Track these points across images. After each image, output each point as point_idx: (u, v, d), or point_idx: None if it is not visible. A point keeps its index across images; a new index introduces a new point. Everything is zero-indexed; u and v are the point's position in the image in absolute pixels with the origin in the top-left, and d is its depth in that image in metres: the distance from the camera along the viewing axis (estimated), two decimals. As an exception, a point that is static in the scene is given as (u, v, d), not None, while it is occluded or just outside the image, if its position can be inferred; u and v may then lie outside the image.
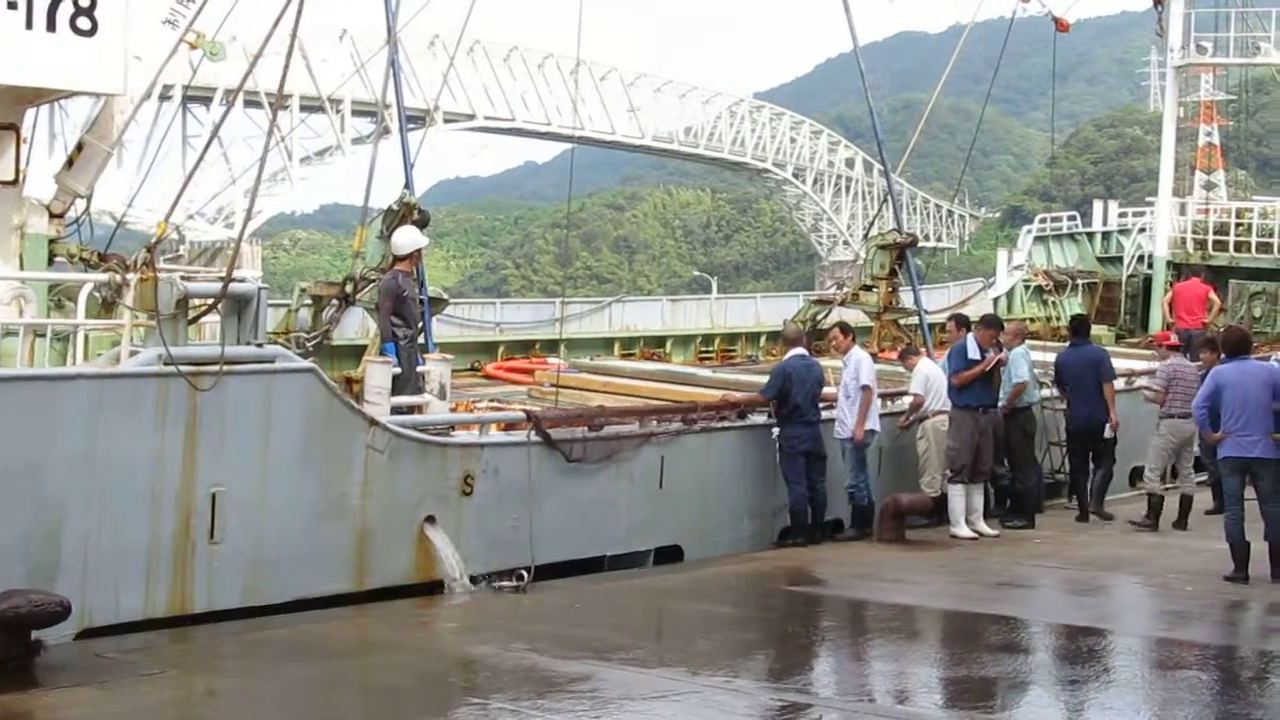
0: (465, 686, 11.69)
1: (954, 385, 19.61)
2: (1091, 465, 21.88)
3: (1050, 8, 32.05)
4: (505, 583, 15.36)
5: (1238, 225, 37.75)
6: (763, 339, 31.78)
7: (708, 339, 31.51)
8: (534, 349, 27.38)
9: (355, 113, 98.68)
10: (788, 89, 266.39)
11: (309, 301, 20.86)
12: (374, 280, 18.66)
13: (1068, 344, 22.84)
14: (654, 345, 30.40)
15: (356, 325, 22.23)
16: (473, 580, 15.16)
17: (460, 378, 23.57)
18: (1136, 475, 24.72)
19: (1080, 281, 38.00)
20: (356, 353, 20.39)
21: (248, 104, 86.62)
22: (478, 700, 10.96)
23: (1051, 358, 22.57)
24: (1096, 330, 35.47)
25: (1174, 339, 23.20)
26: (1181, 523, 20.31)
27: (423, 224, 18.58)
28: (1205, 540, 18.46)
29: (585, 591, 15.70)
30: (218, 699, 11.13)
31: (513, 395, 20.73)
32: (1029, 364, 20.74)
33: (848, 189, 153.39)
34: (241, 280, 13.65)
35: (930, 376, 20.42)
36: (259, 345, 13.70)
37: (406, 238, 17.94)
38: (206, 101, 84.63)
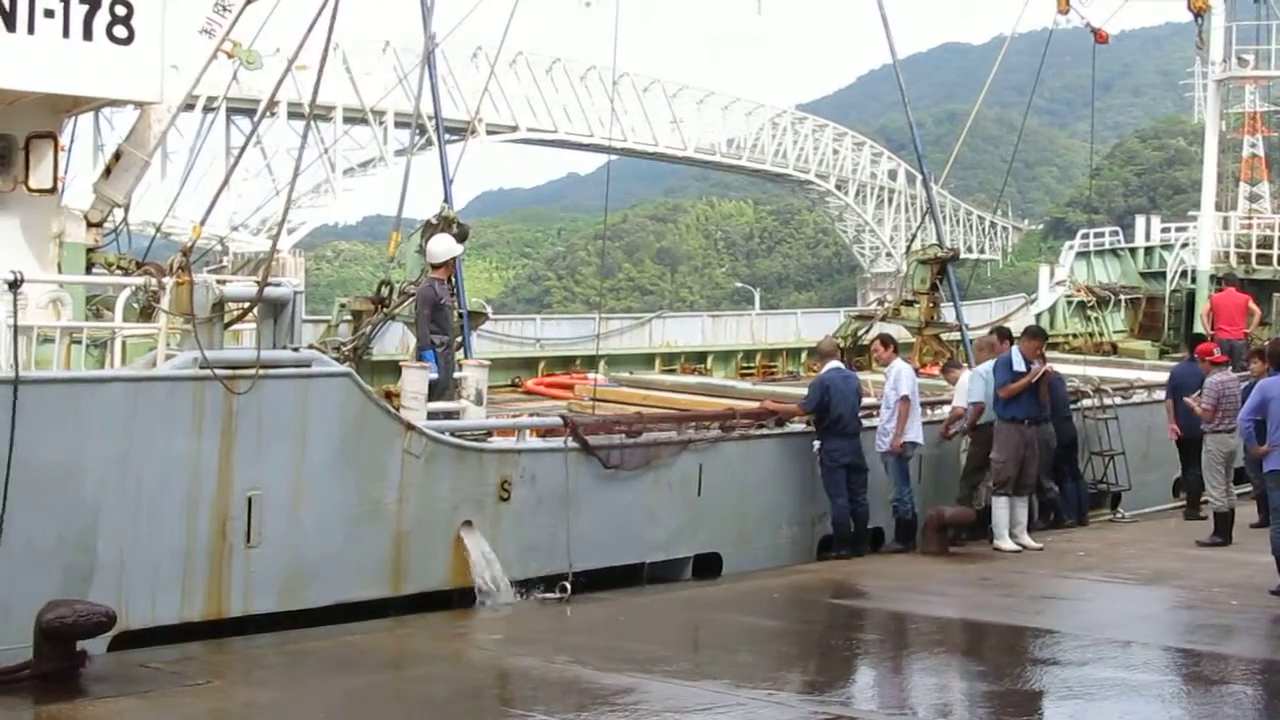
0: (508, 699, 11.68)
1: (1000, 398, 19.44)
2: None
3: (1089, 19, 31.89)
4: (548, 594, 15.33)
5: (1281, 239, 37.46)
6: (804, 354, 31.62)
7: (749, 354, 31.40)
8: (574, 365, 27.31)
9: (398, 124, 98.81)
10: (830, 101, 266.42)
11: (349, 317, 20.85)
12: (412, 295, 18.64)
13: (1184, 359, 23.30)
14: (695, 361, 30.30)
15: (397, 341, 22.19)
16: (511, 586, 15.09)
17: (500, 393, 23.52)
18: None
19: (1123, 297, 37.76)
20: (396, 368, 20.38)
21: (292, 115, 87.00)
22: (519, 713, 10.93)
23: (1093, 372, 22.54)
24: (1139, 345, 35.29)
25: (1218, 353, 22.92)
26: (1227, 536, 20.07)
27: (461, 237, 18.56)
28: (1250, 553, 18.24)
29: (628, 603, 15.65)
30: (258, 710, 11.09)
31: (553, 410, 20.62)
32: (984, 384, 19.95)
33: (890, 201, 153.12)
34: (277, 284, 13.61)
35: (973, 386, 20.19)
36: (295, 349, 13.68)
37: (441, 245, 17.91)
38: (252, 114, 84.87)
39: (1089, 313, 36.76)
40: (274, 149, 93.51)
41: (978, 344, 21.24)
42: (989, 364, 20.13)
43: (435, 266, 17.85)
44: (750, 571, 17.66)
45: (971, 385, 20.04)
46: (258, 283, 13.53)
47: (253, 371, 13.09)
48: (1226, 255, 37.47)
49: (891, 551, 19.20)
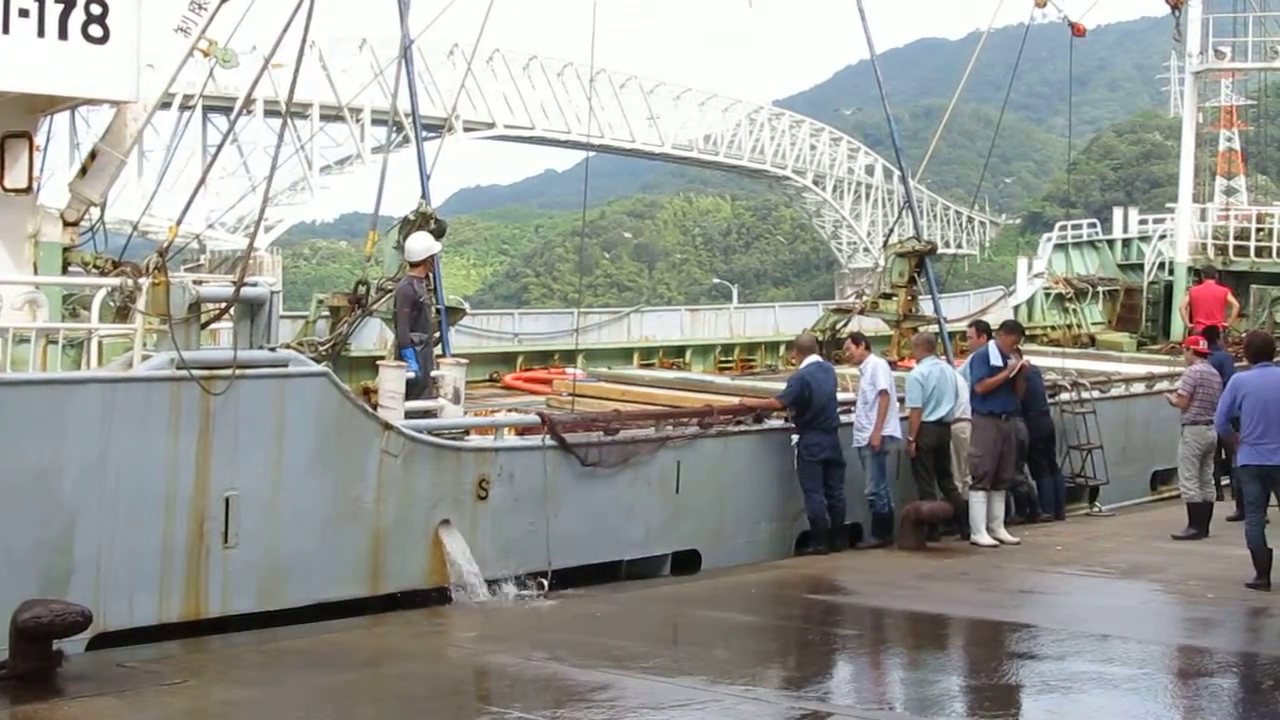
0: (485, 696, 11.67)
1: (977, 392, 19.47)
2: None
3: (1066, 13, 31.92)
4: (525, 591, 15.32)
5: (1259, 230, 37.56)
6: (782, 348, 31.60)
7: (727, 349, 31.39)
8: (553, 359, 27.28)
9: (375, 121, 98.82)
10: (807, 96, 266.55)
11: (326, 313, 20.79)
12: (390, 290, 18.63)
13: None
14: (673, 355, 30.26)
15: (374, 337, 22.16)
16: (489, 584, 15.08)
17: (479, 388, 23.49)
18: (1158, 480, 24.67)
19: (1101, 289, 37.82)
20: (374, 364, 20.36)
21: (269, 113, 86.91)
22: (496, 710, 10.92)
23: (1071, 365, 22.57)
24: (1117, 337, 35.38)
25: (1203, 345, 22.94)
26: (1203, 529, 20.11)
27: (439, 234, 18.51)
28: (1226, 546, 18.32)
29: (605, 600, 15.63)
30: (236, 709, 11.09)
31: (531, 405, 20.67)
32: (921, 387, 19.66)
33: (867, 196, 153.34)
34: (254, 284, 13.60)
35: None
36: (271, 349, 13.67)
37: (420, 243, 17.89)
38: (228, 111, 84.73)
39: (1067, 305, 36.82)
40: (251, 146, 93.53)
41: (918, 340, 21.13)
42: (927, 365, 19.91)
43: (414, 264, 17.84)
44: (728, 567, 17.67)
45: (909, 390, 19.75)
46: (234, 283, 13.53)
47: (229, 372, 13.08)
48: (1204, 247, 37.59)
49: (869, 547, 19.22)
